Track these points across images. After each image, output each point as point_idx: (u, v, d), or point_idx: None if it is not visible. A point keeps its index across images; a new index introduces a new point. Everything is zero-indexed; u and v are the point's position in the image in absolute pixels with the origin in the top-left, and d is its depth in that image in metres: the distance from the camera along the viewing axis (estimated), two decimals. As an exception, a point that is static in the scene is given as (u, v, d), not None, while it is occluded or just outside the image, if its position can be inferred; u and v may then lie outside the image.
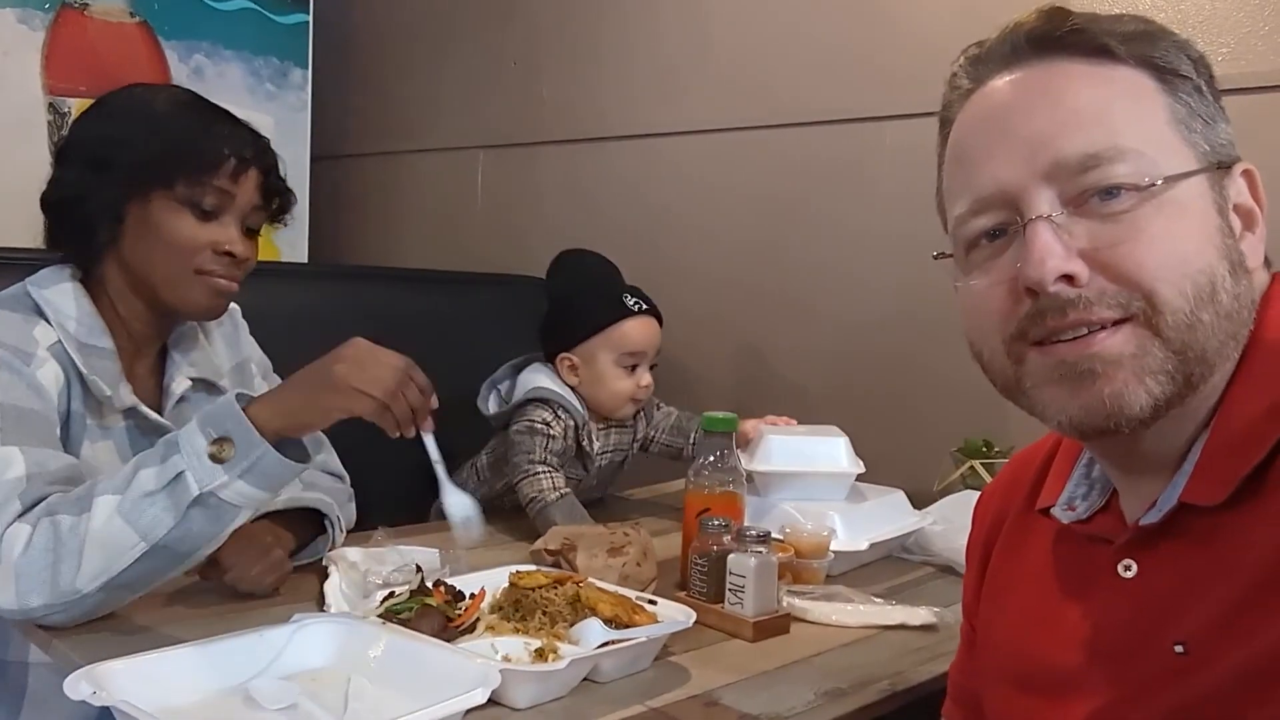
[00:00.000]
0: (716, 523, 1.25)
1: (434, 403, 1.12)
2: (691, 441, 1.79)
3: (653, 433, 1.82)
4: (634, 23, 2.32)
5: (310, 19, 2.77)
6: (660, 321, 1.74)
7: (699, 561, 1.24)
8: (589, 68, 2.39)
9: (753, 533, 1.20)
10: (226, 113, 1.28)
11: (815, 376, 2.07)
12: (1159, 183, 0.66)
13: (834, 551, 1.38)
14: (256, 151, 1.26)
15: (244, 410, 1.04)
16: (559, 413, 1.67)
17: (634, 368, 1.69)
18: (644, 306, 1.71)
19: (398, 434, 1.10)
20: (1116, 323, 0.66)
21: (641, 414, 1.79)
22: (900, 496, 1.57)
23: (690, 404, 1.88)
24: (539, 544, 1.32)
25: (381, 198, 2.83)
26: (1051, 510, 0.78)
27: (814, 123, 2.04)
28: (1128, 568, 0.70)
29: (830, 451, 1.56)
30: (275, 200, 1.31)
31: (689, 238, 2.23)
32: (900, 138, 1.93)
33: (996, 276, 0.71)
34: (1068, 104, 0.68)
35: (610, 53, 2.36)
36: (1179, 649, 0.65)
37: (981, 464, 1.68)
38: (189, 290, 1.24)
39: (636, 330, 1.69)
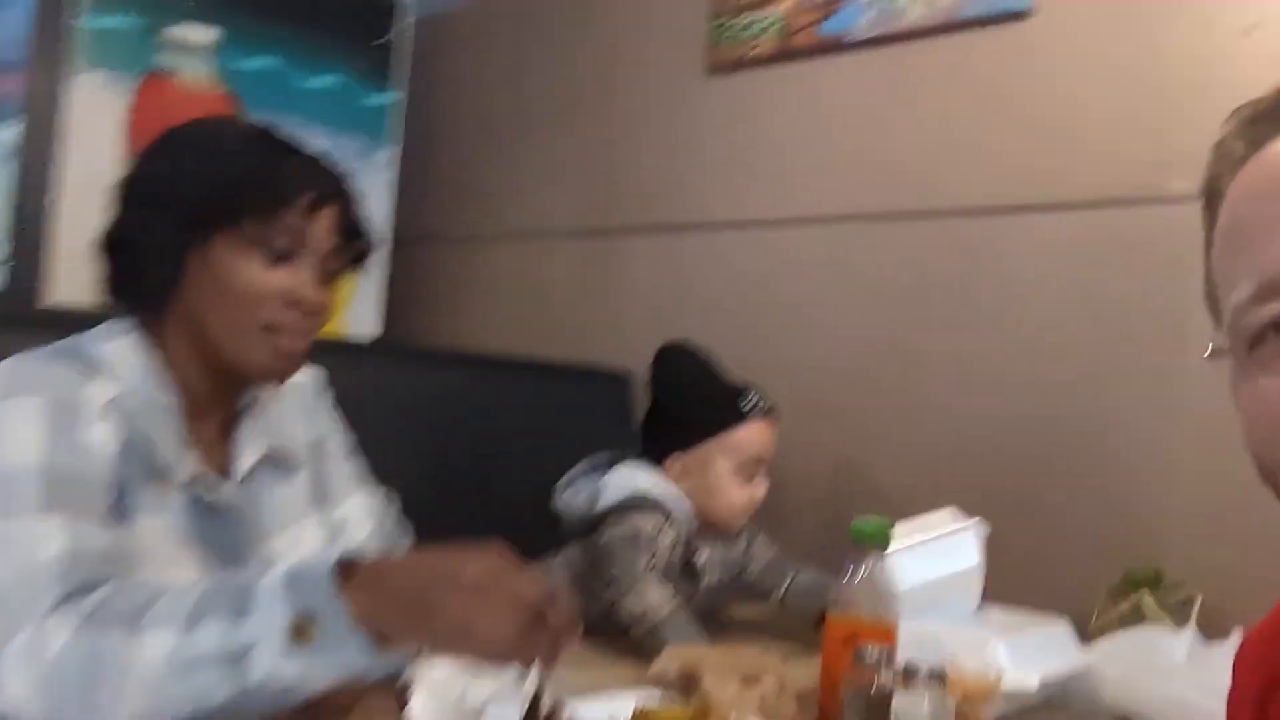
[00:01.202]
0: (875, 653, 1.04)
1: (573, 642, 0.87)
2: (785, 587, 1.60)
3: (749, 562, 1.62)
4: (741, 103, 2.19)
5: (399, 99, 2.69)
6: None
7: (855, 700, 1.03)
8: (689, 150, 2.26)
9: (923, 669, 1.00)
10: (299, 145, 1.14)
11: (939, 486, 1.85)
12: None
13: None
14: (334, 185, 1.11)
15: (342, 587, 0.84)
16: (667, 520, 1.48)
17: (752, 476, 1.53)
18: (767, 408, 1.55)
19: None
20: None
21: (745, 533, 1.61)
22: (1065, 627, 1.35)
23: (798, 515, 1.68)
24: (658, 666, 1.12)
25: (461, 283, 2.70)
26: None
27: (944, 213, 1.88)
28: None
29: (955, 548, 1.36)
30: (355, 242, 1.15)
31: (798, 334, 2.05)
32: (1042, 230, 1.76)
33: None
34: None
35: (712, 135, 2.23)
36: None
37: (1152, 596, 1.45)
38: (252, 348, 1.07)
39: (759, 435, 1.53)
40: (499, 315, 2.58)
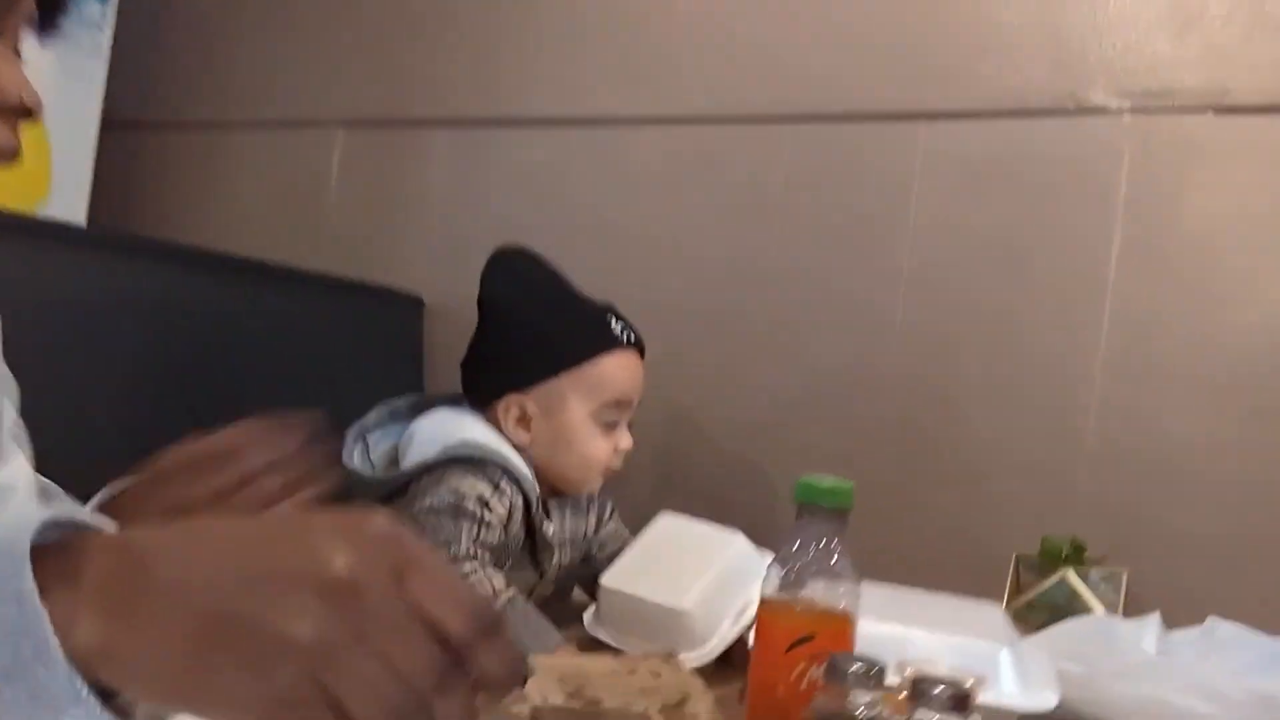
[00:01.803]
0: (859, 667, 0.72)
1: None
2: None
3: (597, 547, 1.27)
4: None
5: (120, -60, 2.10)
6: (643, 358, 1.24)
7: None
8: (509, 28, 1.85)
9: (942, 688, 0.69)
10: None
11: (803, 441, 1.57)
12: None
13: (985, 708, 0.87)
14: None
15: (51, 586, 0.39)
16: (502, 484, 1.11)
17: (613, 424, 1.19)
18: (634, 337, 1.21)
19: None
20: None
21: (594, 503, 1.27)
22: (998, 613, 1.08)
23: (623, 477, 1.35)
24: (534, 691, 0.75)
25: (201, 177, 2.15)
26: None
27: (824, 118, 1.59)
28: None
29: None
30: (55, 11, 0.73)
31: (634, 260, 1.71)
32: (939, 142, 1.51)
33: None
34: None
35: (541, 10, 1.83)
36: None
37: (1077, 573, 1.23)
38: None
39: (627, 370, 1.20)
40: (251, 219, 2.07)
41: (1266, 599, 1.23)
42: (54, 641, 0.38)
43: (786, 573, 0.82)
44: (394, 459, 1.18)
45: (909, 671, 0.80)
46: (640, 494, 1.47)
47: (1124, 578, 1.23)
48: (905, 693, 0.70)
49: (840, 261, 1.56)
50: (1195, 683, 0.96)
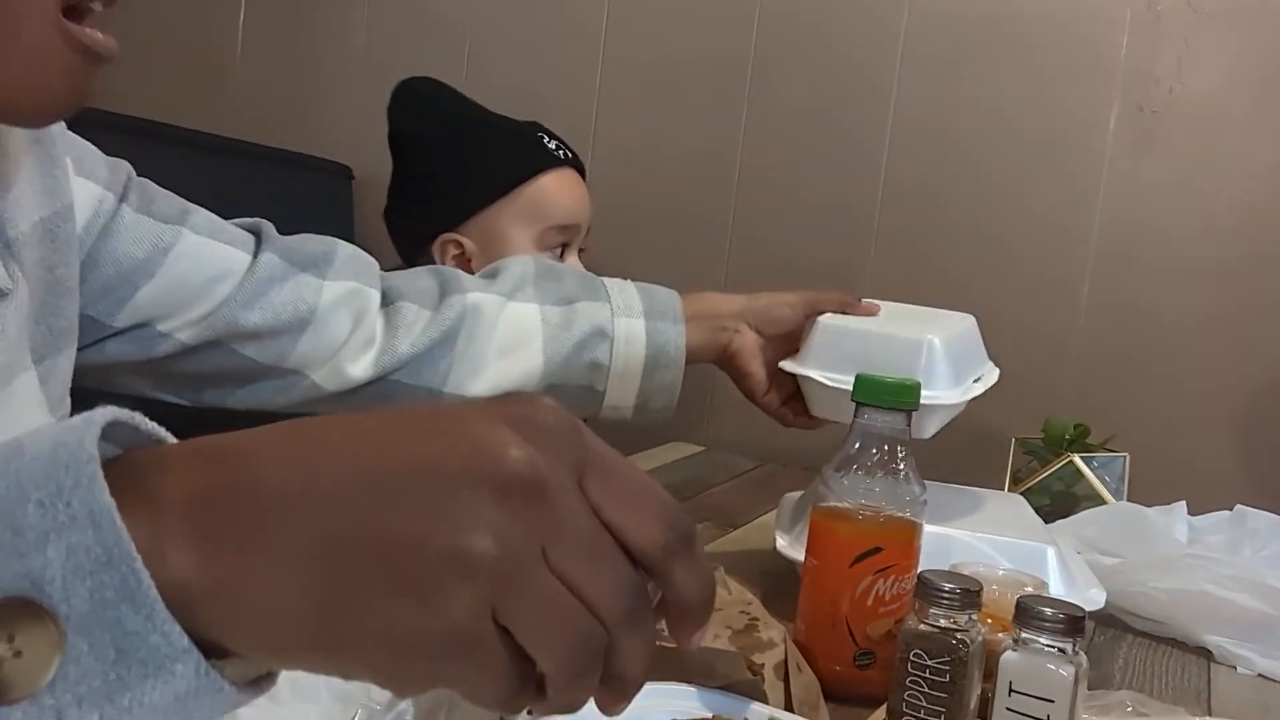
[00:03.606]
0: (951, 587, 0.64)
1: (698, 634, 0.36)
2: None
3: None
4: None
5: None
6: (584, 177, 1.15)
7: (921, 658, 0.64)
8: None
9: (1053, 612, 0.61)
10: None
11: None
12: None
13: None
14: None
15: (131, 498, 0.29)
16: None
17: (562, 249, 1.10)
18: (570, 154, 1.11)
19: None
20: None
21: None
22: (1024, 505, 1.02)
23: None
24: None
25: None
26: None
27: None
28: None
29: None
30: None
31: (602, 119, 1.56)
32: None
33: None
34: None
35: None
36: None
37: (1081, 458, 1.18)
38: (46, 59, 0.53)
39: (565, 188, 1.10)
40: (138, 78, 1.84)
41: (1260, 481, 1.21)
42: (145, 576, 0.28)
43: (851, 475, 0.74)
44: None
45: (995, 588, 0.74)
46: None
47: (1126, 463, 1.19)
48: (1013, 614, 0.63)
49: (818, 122, 1.44)
50: (1234, 574, 0.92)
